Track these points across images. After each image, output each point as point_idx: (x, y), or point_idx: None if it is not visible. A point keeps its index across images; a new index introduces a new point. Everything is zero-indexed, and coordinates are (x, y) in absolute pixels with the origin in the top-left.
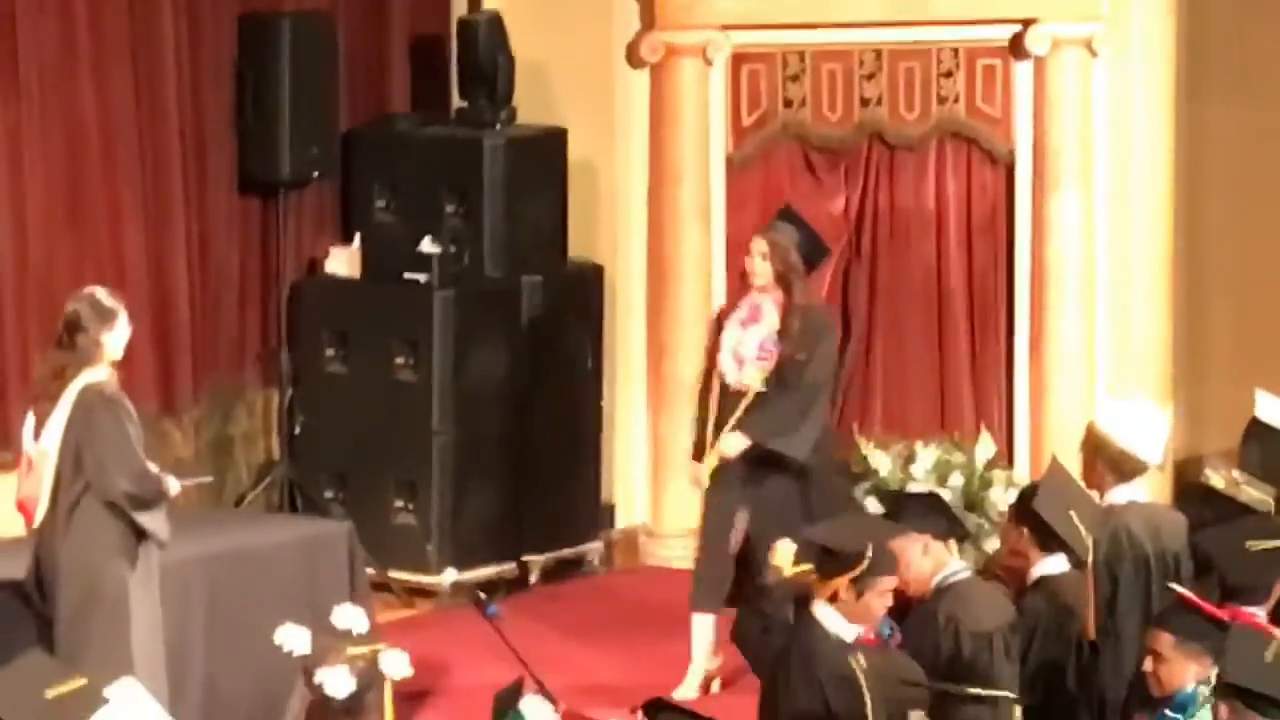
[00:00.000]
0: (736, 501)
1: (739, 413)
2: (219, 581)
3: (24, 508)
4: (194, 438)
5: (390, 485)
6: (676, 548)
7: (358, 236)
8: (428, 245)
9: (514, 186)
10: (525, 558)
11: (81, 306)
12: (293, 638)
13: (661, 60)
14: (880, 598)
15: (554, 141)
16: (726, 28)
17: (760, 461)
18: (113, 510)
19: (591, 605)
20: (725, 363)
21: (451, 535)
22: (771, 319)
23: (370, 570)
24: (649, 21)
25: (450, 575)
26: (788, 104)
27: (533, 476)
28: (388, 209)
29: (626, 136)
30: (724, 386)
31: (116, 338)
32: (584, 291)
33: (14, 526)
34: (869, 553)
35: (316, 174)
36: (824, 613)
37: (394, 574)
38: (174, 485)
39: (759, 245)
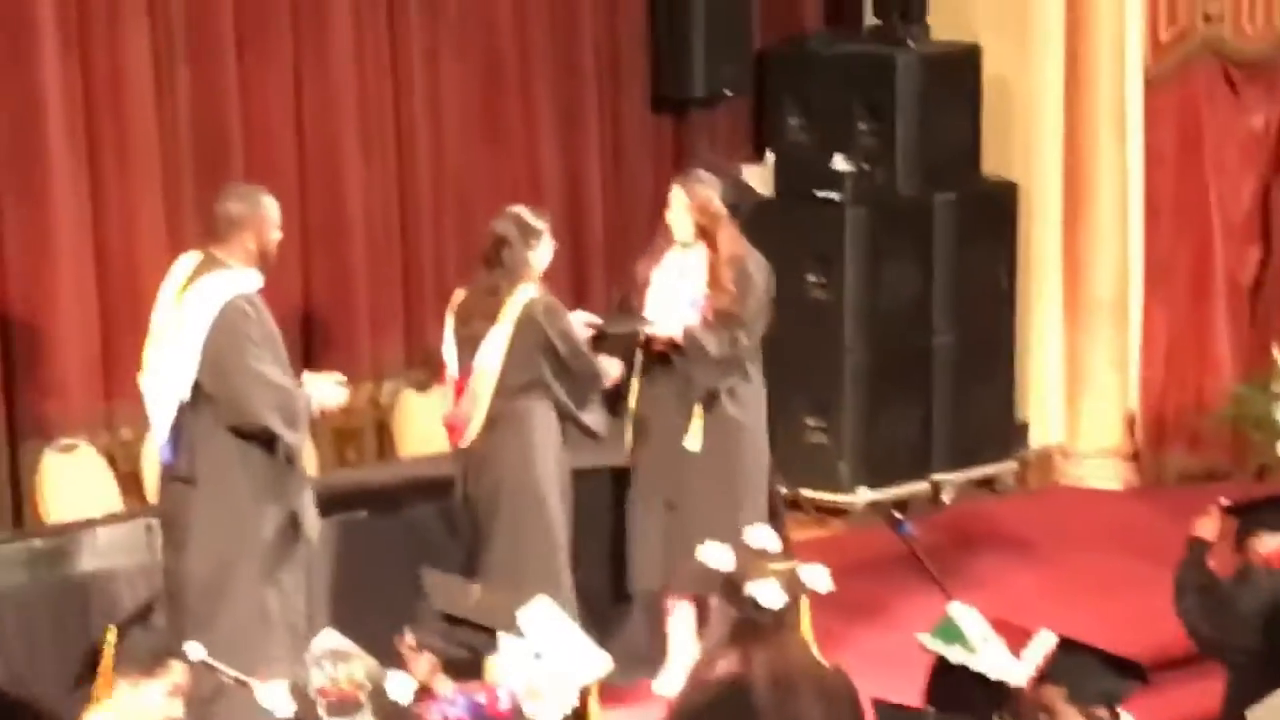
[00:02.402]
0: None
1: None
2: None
3: (454, 427)
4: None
5: (802, 404)
6: (1093, 467)
7: (770, 154)
8: (840, 163)
9: (927, 103)
10: (937, 477)
11: (509, 226)
12: (718, 557)
13: None
14: None
15: (968, 57)
16: None
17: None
18: (547, 418)
19: (1007, 525)
20: (654, 314)
21: (864, 454)
22: (700, 274)
23: (782, 489)
24: None
25: (864, 494)
26: (1206, 19)
27: (945, 395)
28: (800, 127)
29: (1042, 52)
30: (647, 340)
31: (542, 255)
32: (998, 208)
33: (424, 443)
34: None
35: (729, 92)
36: None
37: (806, 492)
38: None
39: (679, 197)
